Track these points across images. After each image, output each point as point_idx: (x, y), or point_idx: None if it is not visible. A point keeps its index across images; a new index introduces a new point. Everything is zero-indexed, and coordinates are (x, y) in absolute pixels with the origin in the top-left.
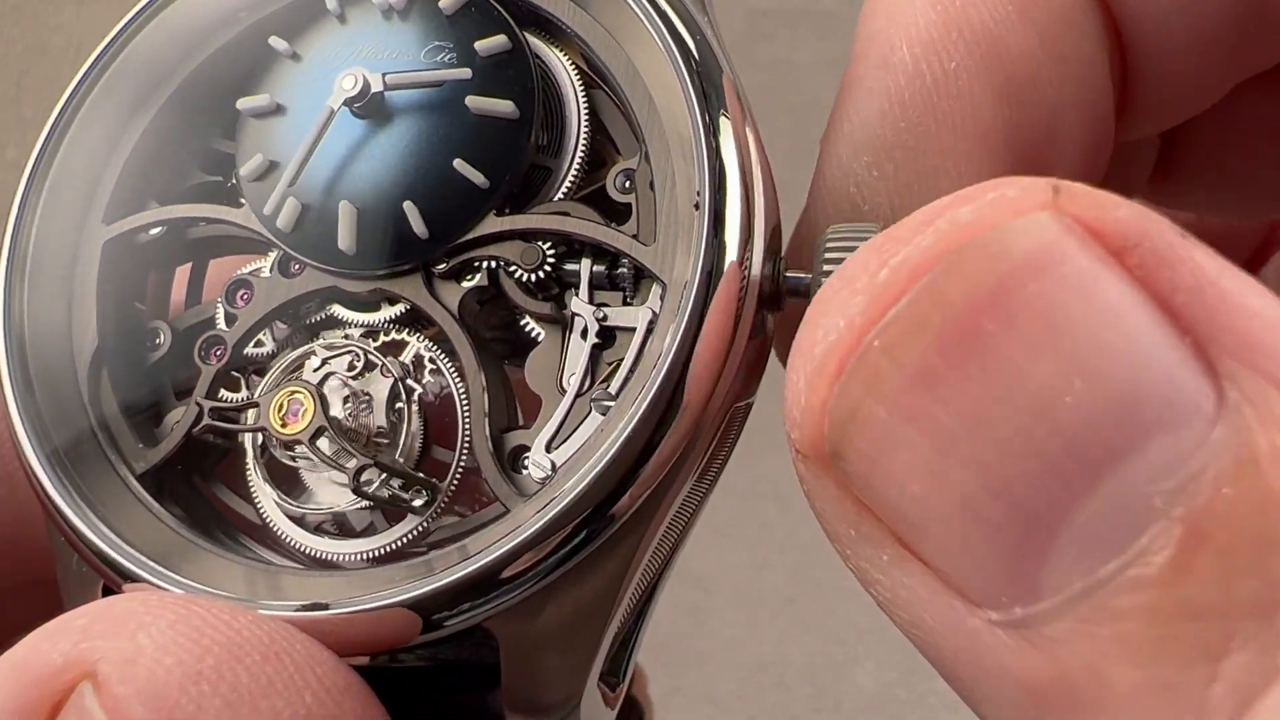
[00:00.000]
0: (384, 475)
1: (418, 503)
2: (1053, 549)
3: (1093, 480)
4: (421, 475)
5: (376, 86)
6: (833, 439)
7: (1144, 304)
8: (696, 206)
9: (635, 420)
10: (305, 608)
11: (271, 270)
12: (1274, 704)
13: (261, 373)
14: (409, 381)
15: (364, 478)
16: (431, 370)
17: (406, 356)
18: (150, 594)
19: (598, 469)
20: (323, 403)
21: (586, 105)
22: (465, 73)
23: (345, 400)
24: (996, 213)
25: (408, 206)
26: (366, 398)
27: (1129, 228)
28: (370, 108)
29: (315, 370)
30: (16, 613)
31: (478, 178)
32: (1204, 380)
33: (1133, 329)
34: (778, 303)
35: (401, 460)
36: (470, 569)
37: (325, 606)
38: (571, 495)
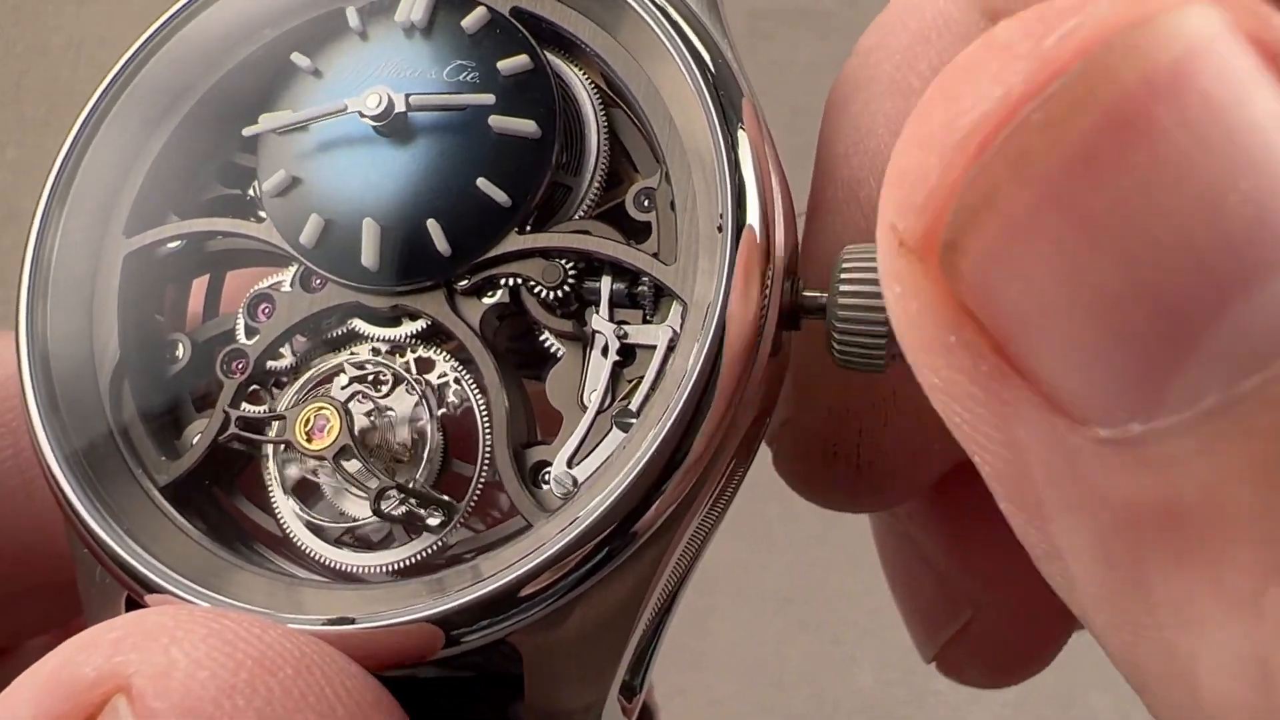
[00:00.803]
0: (403, 495)
1: (434, 521)
2: (1191, 359)
3: (1248, 286)
4: (440, 496)
5: (400, 106)
6: (955, 227)
7: None
8: (720, 229)
9: (659, 439)
10: (331, 622)
11: (293, 285)
12: None
13: (281, 385)
14: (433, 399)
15: (384, 499)
16: (455, 387)
17: (431, 374)
18: (180, 607)
19: (622, 486)
20: (348, 420)
21: (606, 124)
22: (489, 98)
23: (369, 416)
24: None
25: (431, 225)
26: (390, 414)
27: None
28: (393, 126)
29: (343, 388)
30: (30, 613)
31: (500, 197)
32: None
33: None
34: (795, 321)
35: (421, 478)
36: (494, 586)
37: (351, 621)
38: (596, 513)
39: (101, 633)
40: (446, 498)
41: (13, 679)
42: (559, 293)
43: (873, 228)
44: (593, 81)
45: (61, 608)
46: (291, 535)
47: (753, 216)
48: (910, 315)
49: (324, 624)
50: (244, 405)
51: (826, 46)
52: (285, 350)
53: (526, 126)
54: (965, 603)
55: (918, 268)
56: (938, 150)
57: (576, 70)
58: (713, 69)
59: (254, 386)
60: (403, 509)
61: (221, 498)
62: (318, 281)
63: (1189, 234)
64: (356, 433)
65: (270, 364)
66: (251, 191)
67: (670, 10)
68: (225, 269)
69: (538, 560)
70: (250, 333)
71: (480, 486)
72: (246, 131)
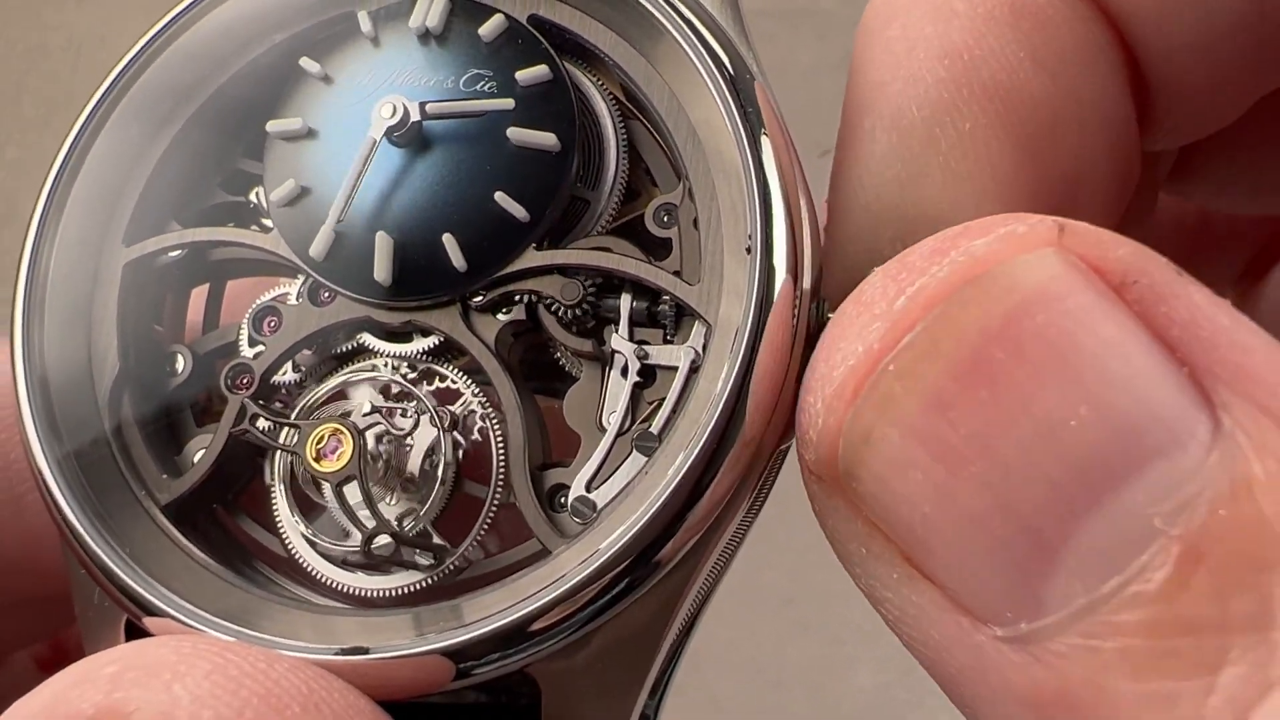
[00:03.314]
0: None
1: (425, 562)
2: (1056, 566)
3: (1095, 501)
4: (432, 541)
5: (415, 116)
6: (846, 460)
7: (1143, 336)
8: (748, 250)
9: (686, 466)
10: (344, 652)
11: (300, 298)
12: (1268, 714)
13: (288, 400)
14: (450, 426)
15: (375, 542)
16: (476, 414)
17: (449, 398)
18: (183, 639)
19: (646, 516)
20: (360, 448)
21: (625, 137)
22: (508, 103)
23: (384, 440)
24: (1006, 248)
25: (447, 239)
26: (405, 439)
27: (1129, 265)
28: (408, 137)
29: (365, 415)
30: (16, 626)
31: (519, 211)
32: (1200, 409)
33: (1133, 360)
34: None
35: (426, 509)
36: (510, 618)
37: (365, 651)
38: (618, 545)
39: (99, 665)
40: (439, 541)
41: (4, 689)
42: (577, 311)
43: (917, 157)
44: (611, 93)
45: (47, 621)
46: (296, 556)
47: (781, 241)
48: (831, 531)
49: (336, 654)
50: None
51: (827, 47)
52: (290, 365)
53: (546, 139)
54: None
55: (827, 491)
56: (819, 395)
57: (595, 81)
58: (738, 84)
59: (260, 401)
60: (392, 547)
61: (223, 516)
62: (326, 295)
63: (1037, 460)
64: (368, 458)
65: (275, 379)
66: (254, 198)
67: (695, 21)
68: (226, 278)
69: (556, 593)
70: (254, 345)
71: (493, 512)
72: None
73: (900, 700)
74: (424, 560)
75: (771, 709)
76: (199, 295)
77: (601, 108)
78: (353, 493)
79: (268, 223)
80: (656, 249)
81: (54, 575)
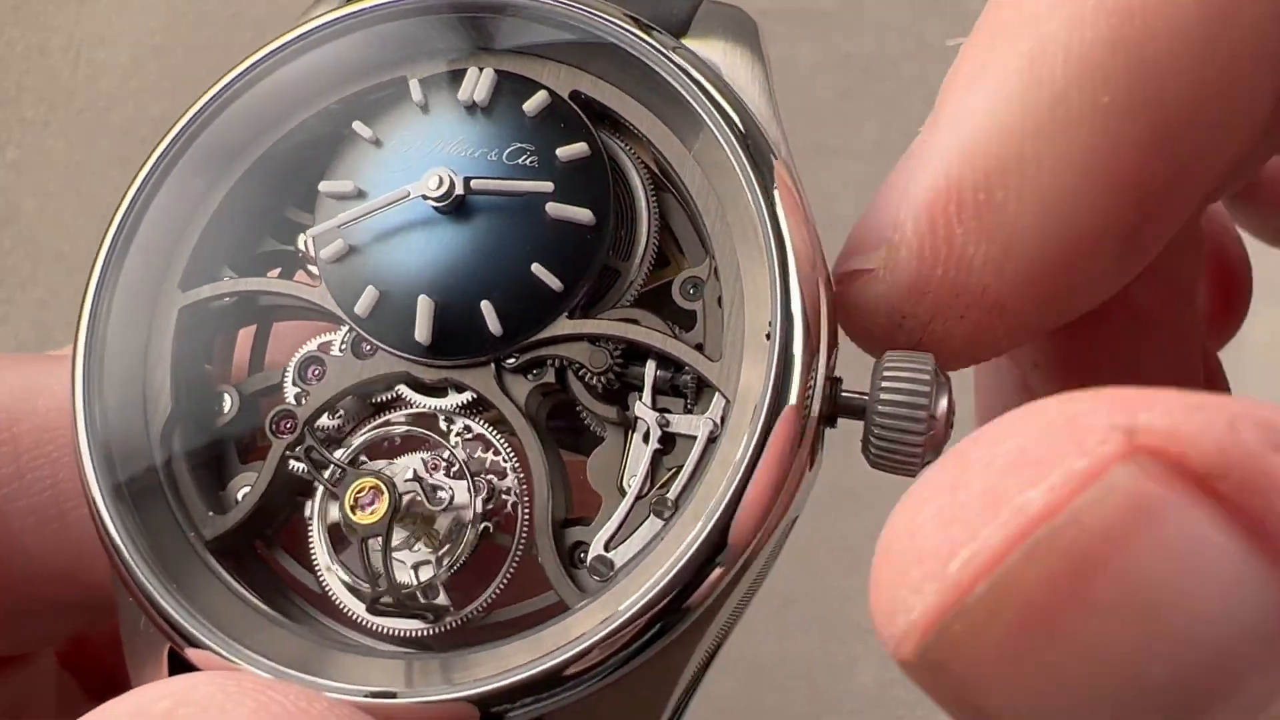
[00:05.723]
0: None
1: (428, 617)
2: None
3: None
4: (435, 603)
5: (460, 190)
6: (927, 664)
7: (1233, 541)
8: (768, 337)
9: (702, 536)
10: (374, 695)
11: (343, 349)
12: None
13: (328, 445)
14: (484, 490)
15: (382, 601)
16: (509, 479)
17: (494, 476)
18: (228, 676)
19: (670, 574)
20: (394, 513)
21: (657, 210)
22: (547, 186)
23: (419, 497)
24: (1065, 493)
25: (485, 306)
26: (442, 500)
27: (1213, 460)
28: (451, 206)
29: (407, 480)
30: (51, 626)
31: (553, 282)
32: None
33: (1221, 578)
34: (833, 421)
35: (441, 570)
36: (534, 670)
37: (393, 695)
38: (639, 604)
39: (151, 700)
40: (443, 601)
41: (30, 684)
42: (604, 378)
43: (1061, 96)
44: (645, 164)
45: (74, 623)
46: (330, 592)
47: (799, 328)
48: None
49: (366, 696)
50: (292, 464)
51: (827, 46)
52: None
53: (582, 214)
54: None
55: (911, 672)
56: (886, 632)
57: (629, 152)
58: (765, 171)
59: (309, 443)
60: (399, 603)
61: (262, 550)
62: (368, 348)
63: (1121, 704)
64: (399, 514)
65: (317, 424)
66: (301, 246)
67: (728, 108)
68: (272, 320)
69: (577, 649)
70: (296, 387)
71: (514, 566)
72: (313, 233)
73: (901, 700)
74: (426, 616)
75: (772, 709)
76: (245, 334)
77: (636, 182)
78: (377, 543)
79: (314, 269)
80: (681, 318)
81: (91, 585)
